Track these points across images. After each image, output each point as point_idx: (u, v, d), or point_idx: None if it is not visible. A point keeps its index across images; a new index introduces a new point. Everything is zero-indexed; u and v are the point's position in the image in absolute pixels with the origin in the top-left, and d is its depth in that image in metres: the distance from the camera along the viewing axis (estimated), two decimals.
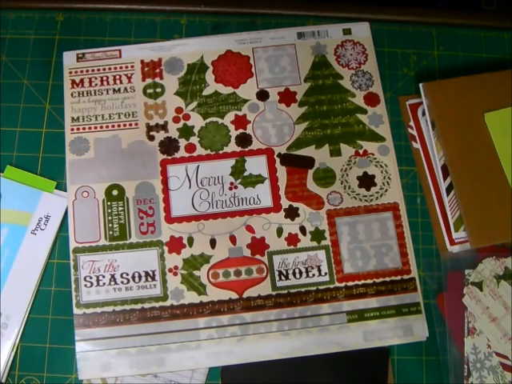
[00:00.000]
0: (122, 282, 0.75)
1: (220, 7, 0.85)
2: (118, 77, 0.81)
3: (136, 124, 0.80)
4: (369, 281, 0.75)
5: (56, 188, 0.78)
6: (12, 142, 0.80)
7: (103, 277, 0.75)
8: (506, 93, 0.80)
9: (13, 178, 0.78)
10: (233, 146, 0.79)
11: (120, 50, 0.82)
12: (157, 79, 0.81)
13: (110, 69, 0.82)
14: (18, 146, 0.80)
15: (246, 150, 0.79)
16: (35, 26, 0.84)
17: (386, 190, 0.78)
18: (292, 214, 0.77)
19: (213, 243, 0.76)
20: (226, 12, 0.85)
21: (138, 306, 0.74)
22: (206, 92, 0.81)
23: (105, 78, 0.81)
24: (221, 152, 0.79)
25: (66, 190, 0.78)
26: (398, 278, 0.75)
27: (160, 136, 0.79)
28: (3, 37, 0.84)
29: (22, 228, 0.76)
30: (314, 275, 0.75)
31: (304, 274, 0.75)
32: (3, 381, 0.73)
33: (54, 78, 0.82)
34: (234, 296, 0.74)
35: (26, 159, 0.79)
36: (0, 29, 0.84)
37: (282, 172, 0.78)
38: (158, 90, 0.81)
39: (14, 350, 0.74)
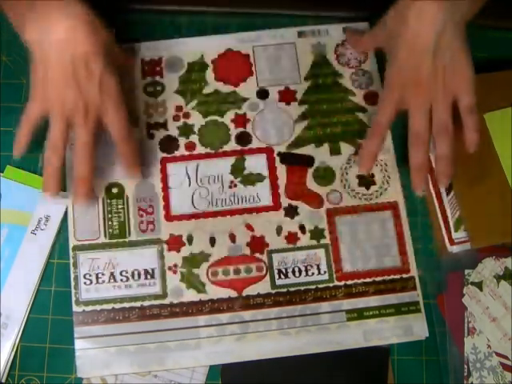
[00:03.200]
0: (122, 280, 0.74)
1: (220, 7, 0.85)
2: None
3: (136, 122, 0.80)
4: (368, 279, 0.75)
5: None
6: (12, 142, 0.79)
7: (102, 274, 0.75)
8: (506, 93, 0.80)
9: (13, 178, 0.78)
10: (233, 145, 0.79)
11: None
12: (157, 77, 0.81)
13: None
14: None
15: (246, 148, 0.79)
16: None
17: (386, 189, 0.78)
18: (291, 212, 0.77)
19: (212, 241, 0.76)
20: (226, 12, 0.85)
21: (138, 304, 0.74)
22: (206, 90, 0.81)
23: None
24: (220, 150, 0.79)
25: (66, 190, 0.77)
26: (398, 276, 0.75)
27: (160, 134, 0.79)
28: (3, 37, 0.84)
29: (22, 228, 0.76)
30: (313, 274, 0.75)
31: (303, 273, 0.75)
32: (3, 381, 0.73)
33: None
34: (234, 294, 0.74)
35: (26, 159, 0.79)
36: (0, 29, 0.84)
37: (281, 171, 0.78)
38: (159, 88, 0.81)
39: (14, 349, 0.73)
